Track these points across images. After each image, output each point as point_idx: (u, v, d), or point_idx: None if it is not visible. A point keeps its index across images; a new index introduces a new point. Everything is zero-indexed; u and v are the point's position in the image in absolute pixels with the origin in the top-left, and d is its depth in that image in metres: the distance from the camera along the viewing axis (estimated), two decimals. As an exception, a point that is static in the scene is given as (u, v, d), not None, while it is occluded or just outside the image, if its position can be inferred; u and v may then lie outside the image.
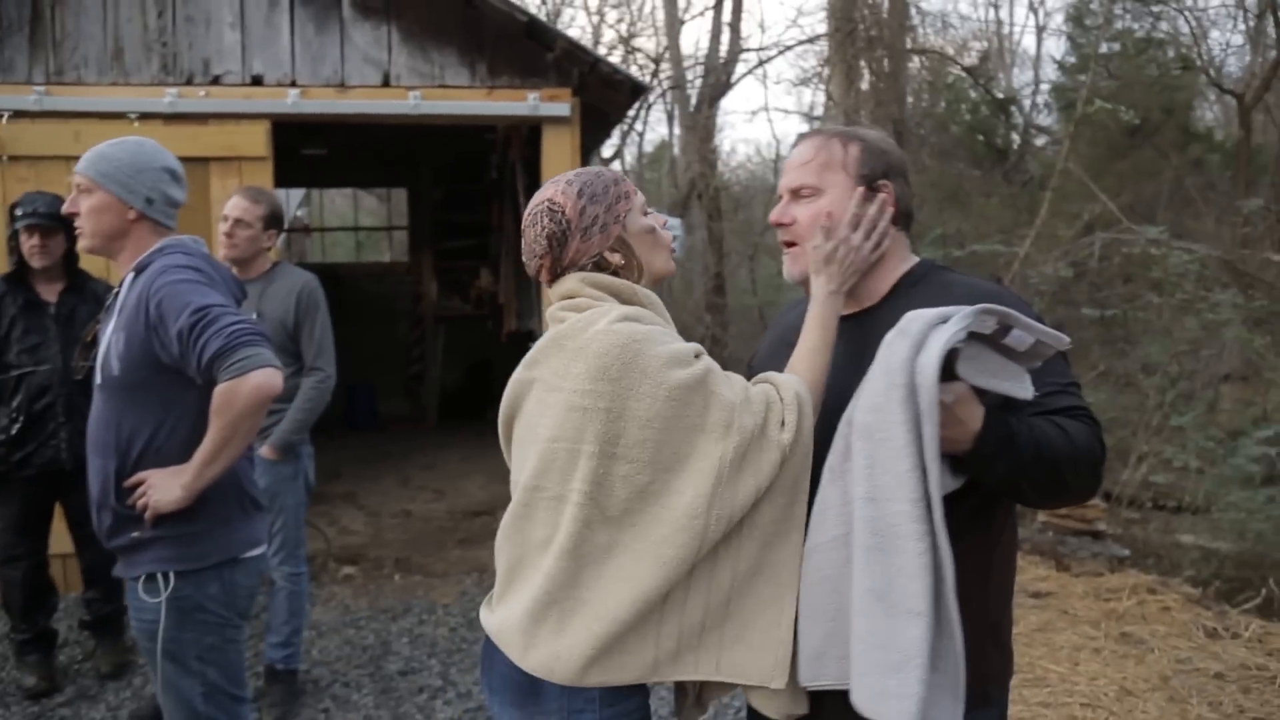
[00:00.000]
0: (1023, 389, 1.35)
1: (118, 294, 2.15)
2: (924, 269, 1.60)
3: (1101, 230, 7.65)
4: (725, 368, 1.48)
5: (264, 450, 3.33)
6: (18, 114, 4.53)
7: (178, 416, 2.05)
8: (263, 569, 2.23)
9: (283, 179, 9.28)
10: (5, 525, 3.63)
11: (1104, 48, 12.61)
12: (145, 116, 4.63)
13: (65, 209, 2.17)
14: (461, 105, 4.87)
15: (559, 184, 1.53)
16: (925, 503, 1.25)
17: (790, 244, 1.62)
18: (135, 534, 2.05)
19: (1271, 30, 12.53)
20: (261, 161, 4.72)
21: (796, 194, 1.59)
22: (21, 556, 3.65)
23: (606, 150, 18.69)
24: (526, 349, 1.63)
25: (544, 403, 1.44)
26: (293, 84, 4.77)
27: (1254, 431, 6.17)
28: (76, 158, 2.18)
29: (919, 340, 1.28)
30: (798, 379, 1.45)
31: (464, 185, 9.22)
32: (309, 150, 7.25)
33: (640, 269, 1.52)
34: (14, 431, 3.49)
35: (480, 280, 9.13)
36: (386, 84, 4.84)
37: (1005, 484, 1.38)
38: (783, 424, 1.39)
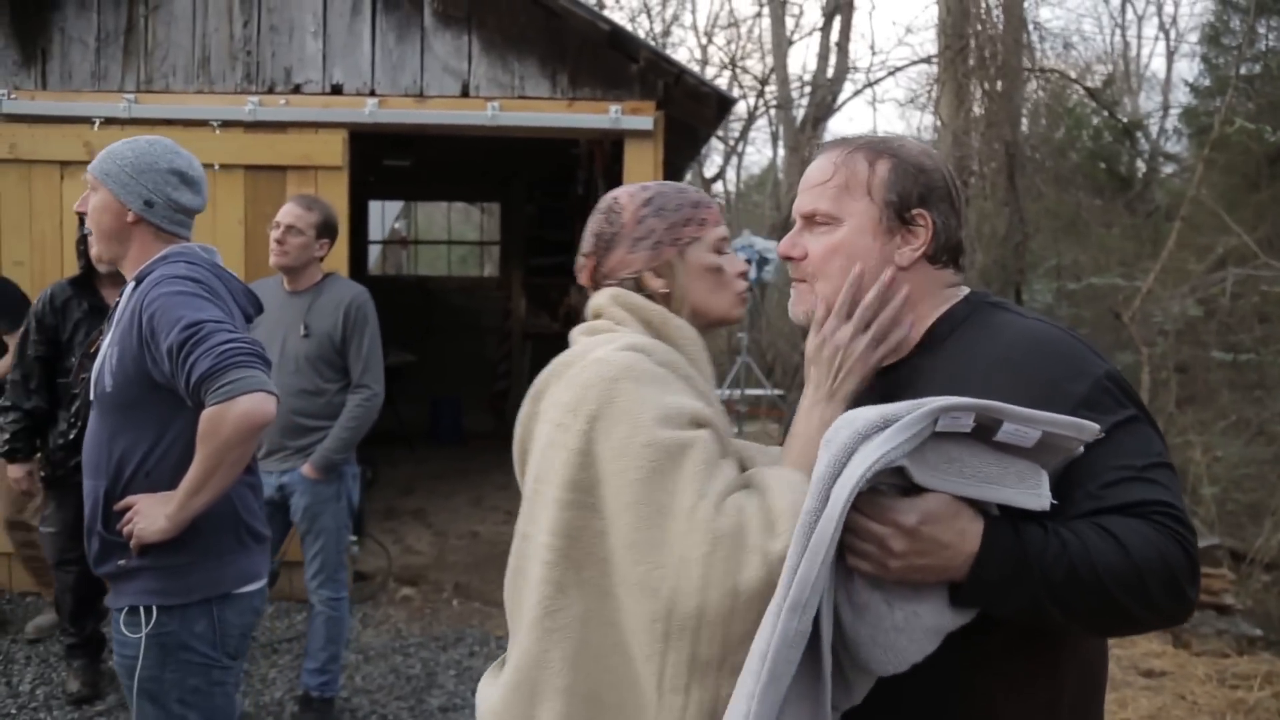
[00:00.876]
0: (1033, 496, 1.03)
1: (117, 303, 2.01)
2: (968, 308, 1.27)
3: (1234, 266, 7.03)
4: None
5: (305, 469, 3.19)
6: (108, 121, 4.58)
7: (172, 439, 1.89)
8: (258, 606, 2.05)
9: (373, 191, 9.45)
10: (60, 529, 3.59)
11: (1243, 69, 11.75)
12: (227, 124, 4.62)
13: (76, 207, 2.05)
14: (540, 117, 4.71)
15: (635, 187, 1.42)
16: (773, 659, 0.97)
17: (799, 279, 1.32)
18: (121, 562, 1.89)
19: None
20: (337, 171, 4.65)
21: (810, 220, 1.29)
22: (74, 561, 3.60)
23: (709, 170, 18.54)
24: None
25: (536, 437, 1.27)
26: (371, 93, 4.69)
27: None
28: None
29: (841, 456, 0.99)
30: (795, 487, 1.12)
31: (556, 201, 9.14)
32: (391, 162, 7.24)
33: (685, 304, 1.35)
34: (71, 436, 3.44)
35: (569, 298, 9.00)
36: (465, 94, 4.72)
37: (1031, 616, 1.04)
38: (772, 531, 1.09)
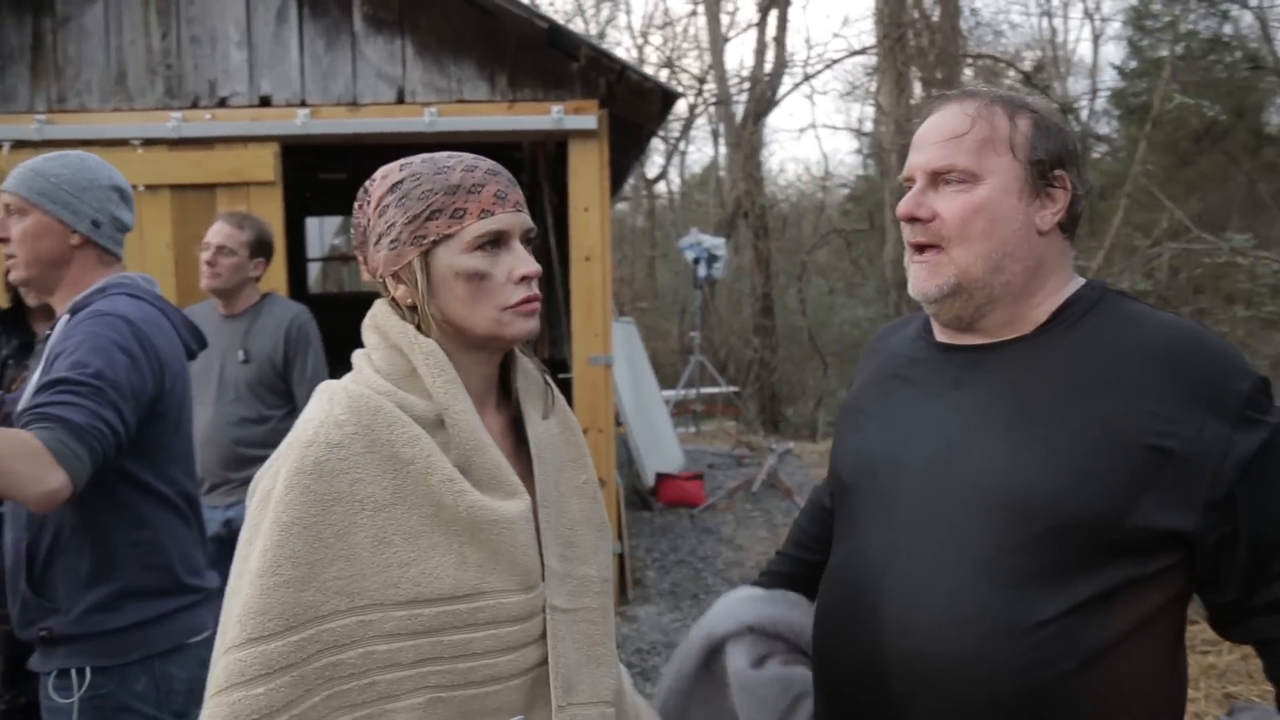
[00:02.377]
0: None
1: (48, 337, 1.82)
2: (1096, 293, 1.20)
3: (1170, 241, 7.12)
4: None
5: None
6: (19, 144, 4.33)
7: (100, 488, 1.71)
8: (207, 658, 1.88)
9: (310, 207, 9.18)
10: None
11: (1167, 50, 11.99)
12: (149, 142, 4.39)
13: None
14: (480, 121, 4.55)
15: (396, 164, 1.13)
16: None
17: (924, 246, 1.20)
18: (43, 633, 1.72)
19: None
20: (270, 186, 4.44)
21: (939, 178, 1.18)
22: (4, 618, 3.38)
23: (651, 172, 18.47)
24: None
25: None
26: (302, 104, 4.50)
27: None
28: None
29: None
30: None
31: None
32: (328, 175, 7.01)
33: (434, 320, 1.09)
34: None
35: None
36: (401, 100, 4.55)
37: None
38: None
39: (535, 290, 1.13)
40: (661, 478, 6.80)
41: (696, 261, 9.60)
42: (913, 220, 1.19)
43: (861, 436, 1.31)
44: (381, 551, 1.01)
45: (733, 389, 11.84)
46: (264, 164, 4.44)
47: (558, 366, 6.52)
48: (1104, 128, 15.55)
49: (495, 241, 1.11)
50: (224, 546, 2.99)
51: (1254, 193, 12.55)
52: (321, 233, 10.54)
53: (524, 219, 1.13)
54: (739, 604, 1.40)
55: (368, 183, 1.14)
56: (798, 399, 14.08)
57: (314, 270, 10.57)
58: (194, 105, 4.47)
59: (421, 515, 1.04)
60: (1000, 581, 1.09)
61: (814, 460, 8.64)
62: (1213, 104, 5.96)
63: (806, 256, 15.55)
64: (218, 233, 3.00)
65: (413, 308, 1.10)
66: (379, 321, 1.13)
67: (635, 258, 18.51)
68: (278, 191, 4.46)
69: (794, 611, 1.38)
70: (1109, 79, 16.07)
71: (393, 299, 1.12)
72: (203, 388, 3.05)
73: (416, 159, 1.13)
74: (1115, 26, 19.16)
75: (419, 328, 1.10)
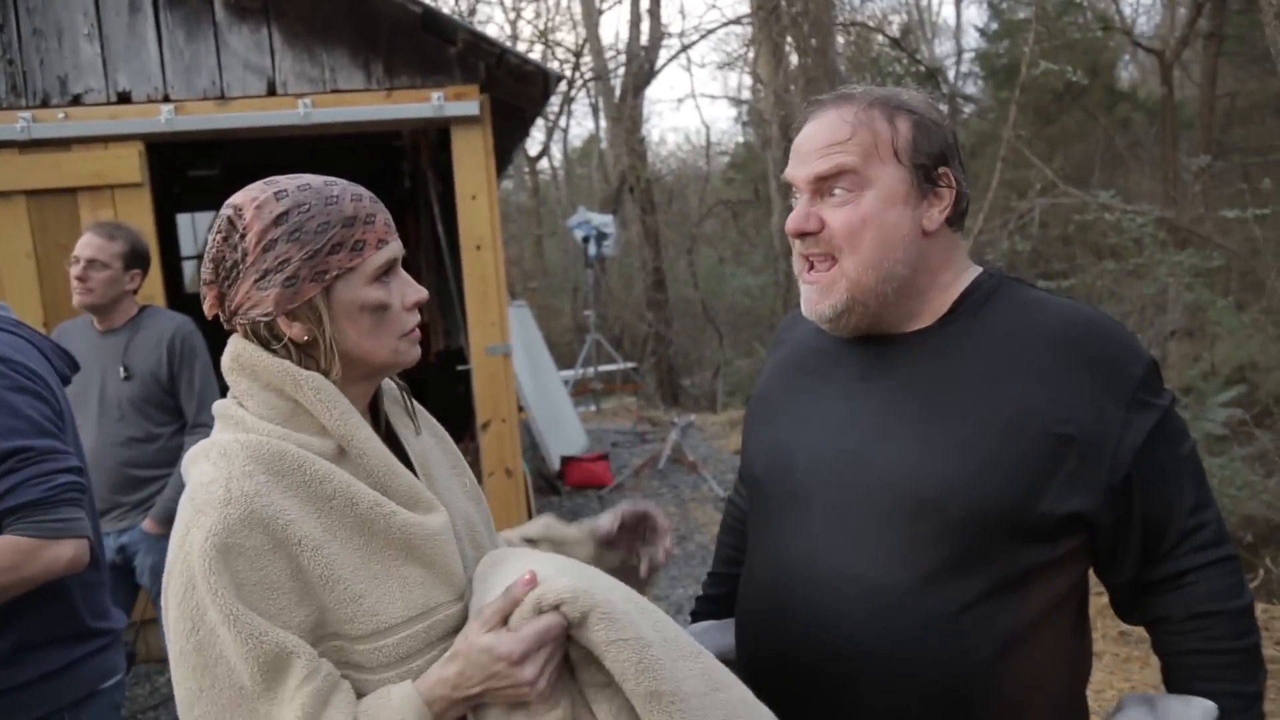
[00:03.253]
0: None
1: None
2: (993, 281, 1.23)
3: (1040, 198, 7.46)
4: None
5: (147, 524, 2.87)
6: None
7: None
8: (119, 701, 1.79)
9: (180, 204, 8.74)
10: None
11: (1023, 13, 12.50)
12: (-3, 146, 4.09)
13: None
14: (357, 111, 4.40)
15: (265, 191, 1.05)
16: None
17: (815, 262, 1.20)
18: None
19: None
20: (137, 188, 4.20)
21: (824, 185, 1.17)
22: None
23: (532, 149, 18.26)
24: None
25: None
26: (165, 99, 4.26)
27: (1219, 394, 6.00)
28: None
29: None
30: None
31: (382, 197, 8.70)
32: (197, 172, 6.69)
33: (334, 354, 1.06)
34: None
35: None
36: (272, 92, 4.35)
37: None
38: None
39: (420, 318, 1.14)
40: (567, 460, 6.79)
41: (586, 240, 9.56)
42: (803, 234, 1.19)
43: (772, 430, 1.31)
44: (332, 589, 1.00)
45: (630, 365, 11.89)
46: (128, 165, 4.19)
47: (454, 357, 6.42)
48: (971, 88, 16.14)
49: (389, 270, 1.10)
50: (119, 574, 2.86)
51: (1112, 147, 13.26)
52: (195, 229, 10.06)
53: (401, 245, 1.13)
54: (697, 639, 1.39)
55: (232, 213, 1.05)
56: (695, 370, 14.25)
57: (189, 269, 10.09)
58: (44, 104, 4.18)
59: (355, 548, 1.03)
60: (917, 573, 1.12)
61: (716, 432, 8.77)
62: (1075, 69, 6.24)
63: (695, 229, 15.70)
64: (87, 245, 2.81)
65: (307, 345, 1.06)
66: (246, 363, 1.06)
67: (523, 237, 18.31)
68: (146, 193, 4.23)
69: None
70: (973, 40, 16.64)
71: (270, 334, 1.06)
72: (81, 410, 2.88)
73: (289, 185, 1.07)
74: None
75: (300, 363, 1.06)
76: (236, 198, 1.07)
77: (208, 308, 1.10)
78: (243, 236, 1.04)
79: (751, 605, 1.29)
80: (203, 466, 1.02)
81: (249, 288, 1.04)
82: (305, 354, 1.07)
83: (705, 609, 1.53)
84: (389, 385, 1.24)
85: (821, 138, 1.17)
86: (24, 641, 1.59)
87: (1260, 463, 5.62)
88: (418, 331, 1.13)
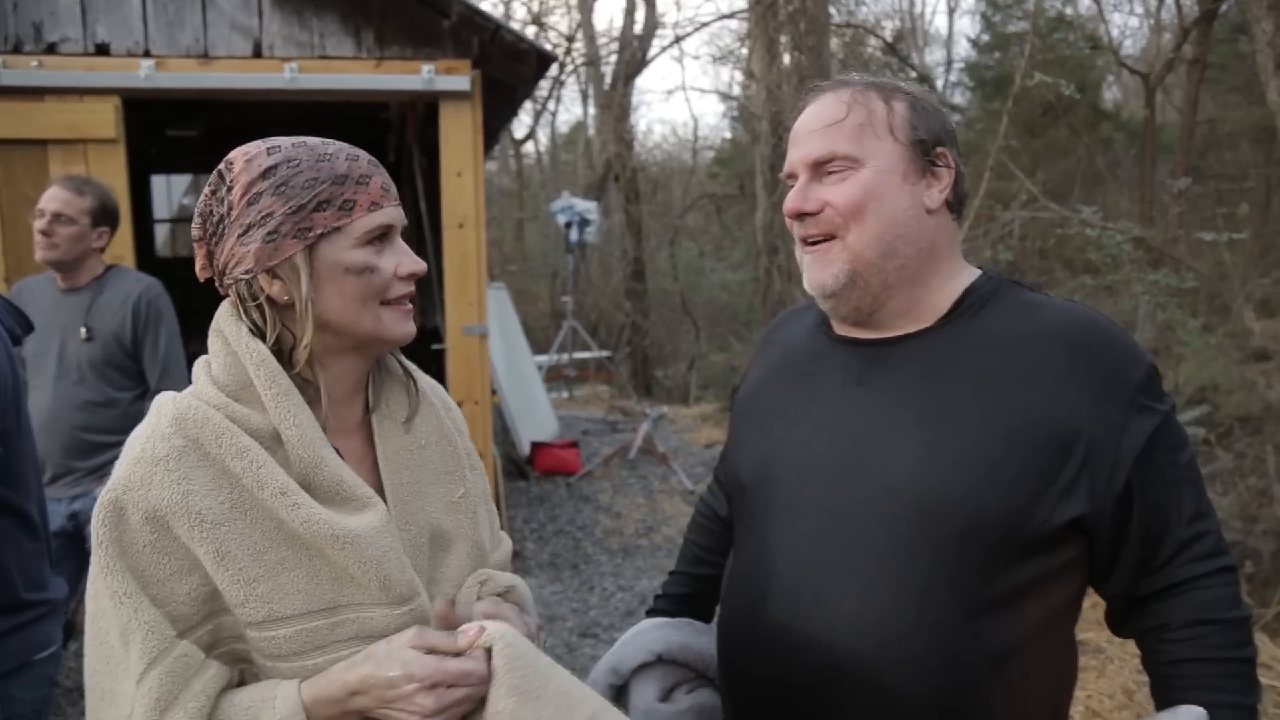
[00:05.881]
0: None
1: None
2: (992, 283, 1.20)
3: (1020, 210, 7.49)
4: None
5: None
6: None
7: None
8: (53, 674, 1.72)
9: (156, 164, 8.56)
10: None
11: (1017, 26, 12.54)
12: (-34, 91, 3.95)
13: None
14: (345, 79, 4.31)
15: (259, 146, 1.03)
16: None
17: (816, 241, 1.18)
18: None
19: (1169, 11, 12.67)
20: (111, 144, 4.08)
21: (821, 169, 1.16)
22: None
23: (519, 131, 18.11)
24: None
25: None
26: (146, 54, 4.13)
27: (1182, 412, 6.06)
28: None
29: None
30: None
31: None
32: (176, 132, 6.54)
33: (308, 320, 1.01)
34: None
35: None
36: (258, 54, 4.24)
37: None
38: None
39: (412, 290, 1.08)
40: (537, 446, 6.73)
41: (568, 225, 9.47)
42: (801, 215, 1.17)
43: (762, 435, 1.27)
44: (226, 567, 0.96)
45: (605, 353, 11.83)
46: (103, 119, 4.07)
47: (430, 336, 6.33)
48: (958, 98, 16.19)
49: (383, 236, 1.05)
50: (70, 542, 2.77)
51: (1093, 164, 13.36)
52: (170, 192, 9.86)
53: (402, 214, 1.09)
54: (647, 634, 1.35)
55: (223, 166, 1.03)
56: (669, 362, 14.21)
57: (161, 232, 9.90)
58: (16, 50, 4.04)
59: (264, 530, 0.98)
60: (913, 585, 1.08)
61: (687, 424, 8.74)
62: (1068, 82, 6.27)
63: (678, 221, 15.64)
64: (53, 199, 2.71)
65: (285, 307, 1.02)
66: (222, 325, 1.04)
67: (504, 220, 18.18)
68: (120, 150, 4.11)
69: (701, 639, 1.34)
70: (964, 51, 16.73)
71: (249, 294, 1.02)
72: (39, 370, 2.78)
73: (284, 142, 1.04)
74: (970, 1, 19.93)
75: (275, 327, 1.02)
76: (234, 152, 1.04)
77: (200, 268, 1.07)
78: (229, 190, 1.01)
79: (737, 616, 1.25)
80: (149, 416, 1.03)
81: (233, 243, 1.01)
82: (284, 318, 1.03)
83: (664, 606, 1.49)
84: (396, 369, 1.16)
85: (819, 118, 1.18)
86: None
87: (1219, 481, 5.68)
88: (410, 306, 1.08)
